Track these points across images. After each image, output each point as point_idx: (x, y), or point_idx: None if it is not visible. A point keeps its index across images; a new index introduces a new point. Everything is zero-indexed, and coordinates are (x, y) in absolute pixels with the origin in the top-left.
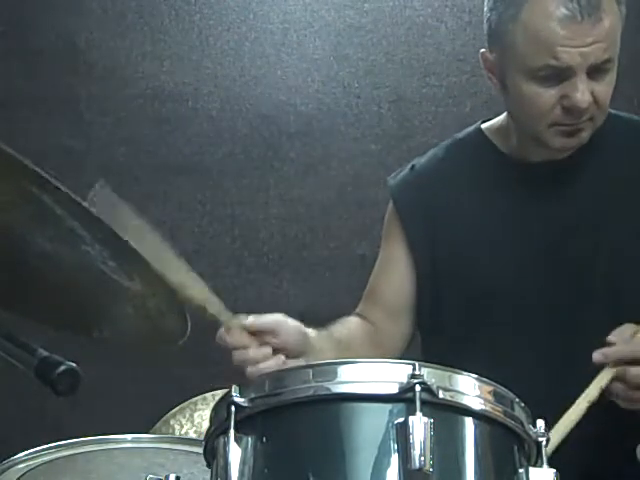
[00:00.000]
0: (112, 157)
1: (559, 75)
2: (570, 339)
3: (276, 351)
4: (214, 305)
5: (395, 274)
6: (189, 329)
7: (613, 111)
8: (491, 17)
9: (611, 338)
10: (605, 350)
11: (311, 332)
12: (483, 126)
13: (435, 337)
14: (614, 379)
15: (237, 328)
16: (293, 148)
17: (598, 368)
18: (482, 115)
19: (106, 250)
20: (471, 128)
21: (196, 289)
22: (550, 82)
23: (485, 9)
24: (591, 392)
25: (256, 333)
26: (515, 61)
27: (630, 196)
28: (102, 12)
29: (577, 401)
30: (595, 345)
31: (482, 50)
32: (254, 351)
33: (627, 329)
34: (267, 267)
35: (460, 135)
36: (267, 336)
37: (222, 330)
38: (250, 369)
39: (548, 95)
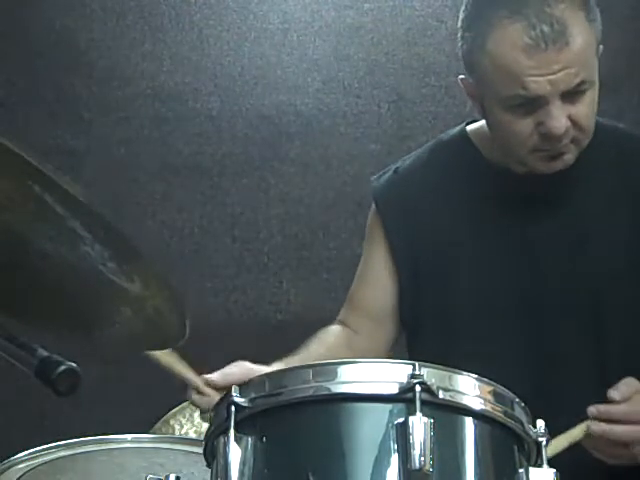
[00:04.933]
0: (112, 157)
1: (532, 103)
2: (553, 345)
3: None
4: (181, 368)
5: (377, 279)
6: (188, 330)
7: (600, 119)
8: (462, 46)
9: (611, 395)
10: (600, 407)
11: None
12: (469, 128)
13: (418, 340)
14: (588, 436)
15: (206, 388)
16: (293, 148)
17: (583, 418)
18: None
19: (106, 251)
20: (456, 130)
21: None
22: (524, 110)
23: (458, 36)
24: (559, 443)
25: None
26: (488, 90)
27: (615, 207)
28: (102, 12)
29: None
30: (577, 353)
31: (461, 76)
32: None
33: (631, 385)
34: (267, 267)
35: (445, 137)
36: None
37: (192, 393)
38: None
39: (524, 123)
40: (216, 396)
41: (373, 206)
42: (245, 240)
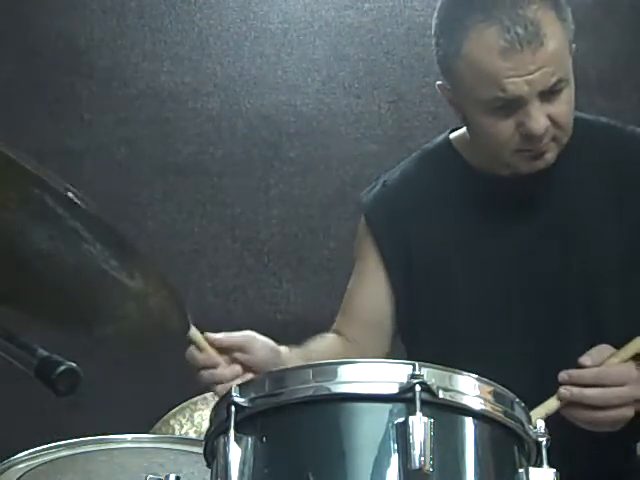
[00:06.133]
0: (112, 157)
1: (511, 105)
2: (547, 349)
3: (246, 369)
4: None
5: (370, 289)
6: (190, 327)
7: (579, 114)
8: (438, 53)
9: (582, 360)
10: (571, 371)
11: (283, 349)
12: (452, 136)
13: (417, 343)
14: (568, 405)
15: (207, 346)
16: (293, 148)
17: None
18: None
19: (107, 249)
20: (440, 138)
21: None
22: (504, 112)
23: (432, 43)
24: (537, 414)
25: (225, 350)
26: (466, 95)
27: (604, 204)
28: (102, 12)
29: None
30: (575, 352)
31: (438, 82)
32: (224, 369)
33: (603, 351)
34: (267, 267)
35: (429, 147)
36: (236, 353)
37: (192, 348)
38: (219, 388)
39: (505, 125)
40: (214, 355)
41: (362, 219)
42: (245, 240)
